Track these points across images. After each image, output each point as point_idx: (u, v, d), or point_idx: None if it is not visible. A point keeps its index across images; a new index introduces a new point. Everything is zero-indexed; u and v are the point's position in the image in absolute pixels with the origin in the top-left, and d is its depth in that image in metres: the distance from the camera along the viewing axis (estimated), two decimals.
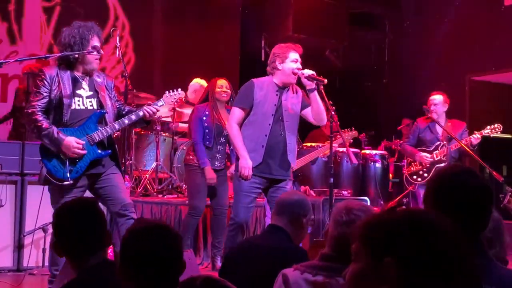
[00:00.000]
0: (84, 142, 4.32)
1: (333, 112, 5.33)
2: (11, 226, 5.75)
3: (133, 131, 7.34)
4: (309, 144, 7.09)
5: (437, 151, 6.61)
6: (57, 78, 4.34)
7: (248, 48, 10.18)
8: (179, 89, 4.86)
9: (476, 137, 6.33)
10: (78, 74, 4.44)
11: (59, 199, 4.30)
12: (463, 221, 1.90)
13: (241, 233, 4.93)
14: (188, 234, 5.86)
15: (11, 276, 5.56)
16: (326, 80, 4.81)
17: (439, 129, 6.66)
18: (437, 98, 6.68)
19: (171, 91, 4.80)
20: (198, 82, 7.32)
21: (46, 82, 4.32)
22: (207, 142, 5.85)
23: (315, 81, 4.80)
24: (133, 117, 4.50)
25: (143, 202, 6.55)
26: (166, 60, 9.71)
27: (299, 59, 4.88)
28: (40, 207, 4.85)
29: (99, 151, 4.42)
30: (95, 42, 4.43)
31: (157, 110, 4.62)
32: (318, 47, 10.40)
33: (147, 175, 7.36)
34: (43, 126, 4.24)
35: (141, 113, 4.52)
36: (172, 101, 4.83)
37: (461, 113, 6.75)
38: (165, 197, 7.12)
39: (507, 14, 8.91)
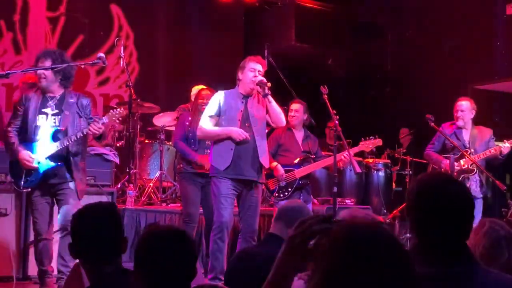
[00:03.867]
0: (35, 157, 4.79)
1: (336, 121, 5.41)
2: (16, 235, 5.77)
3: (137, 140, 7.37)
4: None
5: (463, 159, 6.21)
6: (29, 99, 4.88)
7: None
8: (122, 108, 5.10)
9: (506, 147, 6.13)
10: (49, 94, 4.92)
11: (32, 206, 4.94)
12: (446, 229, 1.92)
13: (226, 235, 5.09)
14: None
15: (16, 285, 5.58)
16: (269, 84, 5.18)
17: (465, 136, 6.36)
18: (464, 104, 6.40)
19: (114, 109, 5.03)
20: (197, 89, 7.33)
21: (21, 103, 4.90)
22: (193, 146, 6.02)
23: (264, 86, 5.14)
24: (79, 134, 4.84)
25: (147, 211, 6.56)
26: (170, 69, 9.75)
27: (259, 69, 5.22)
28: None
29: (51, 163, 4.84)
30: (40, 63, 4.86)
31: (100, 128, 4.84)
32: (321, 56, 10.45)
33: (151, 184, 7.38)
34: (11, 141, 4.85)
35: (84, 131, 4.85)
36: (114, 119, 5.02)
37: None
38: (168, 205, 7.14)
39: (509, 22, 8.94)
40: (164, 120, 7.61)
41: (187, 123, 6.09)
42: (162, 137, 7.49)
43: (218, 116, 5.21)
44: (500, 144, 6.22)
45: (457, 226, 1.94)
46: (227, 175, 5.08)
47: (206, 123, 5.22)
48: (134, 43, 9.61)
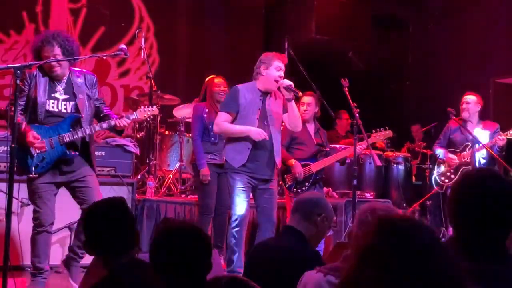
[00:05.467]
0: (39, 137, 4.51)
1: (357, 114, 5.40)
2: None
3: (157, 132, 7.41)
4: (337, 146, 7.03)
5: (464, 152, 6.55)
6: (34, 80, 4.59)
7: (272, 50, 10.12)
8: (155, 106, 5.00)
9: (501, 139, 6.29)
10: (56, 79, 4.65)
11: (33, 193, 4.64)
12: (487, 227, 1.90)
13: (244, 228, 5.12)
14: None
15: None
16: (300, 93, 5.21)
17: (470, 130, 6.57)
18: (470, 97, 6.67)
19: (146, 106, 4.92)
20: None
21: (26, 82, 4.57)
22: (212, 138, 6.08)
23: (292, 92, 5.08)
24: (104, 125, 4.69)
25: (167, 202, 6.60)
26: (190, 61, 9.77)
27: (283, 68, 5.17)
28: (66, 206, 4.95)
29: (67, 152, 4.63)
30: (46, 52, 4.55)
31: (127, 124, 4.70)
32: (341, 49, 10.39)
33: (171, 175, 7.42)
34: (16, 120, 4.46)
35: (112, 123, 4.68)
36: (145, 116, 4.93)
37: (486, 115, 6.70)
38: (188, 197, 7.17)
39: None
40: (184, 111, 7.62)
41: (205, 115, 6.09)
42: (182, 128, 7.51)
43: (236, 113, 5.14)
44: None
45: (504, 224, 1.91)
46: (242, 171, 5.10)
47: (223, 120, 5.16)
48: (155, 35, 9.65)
